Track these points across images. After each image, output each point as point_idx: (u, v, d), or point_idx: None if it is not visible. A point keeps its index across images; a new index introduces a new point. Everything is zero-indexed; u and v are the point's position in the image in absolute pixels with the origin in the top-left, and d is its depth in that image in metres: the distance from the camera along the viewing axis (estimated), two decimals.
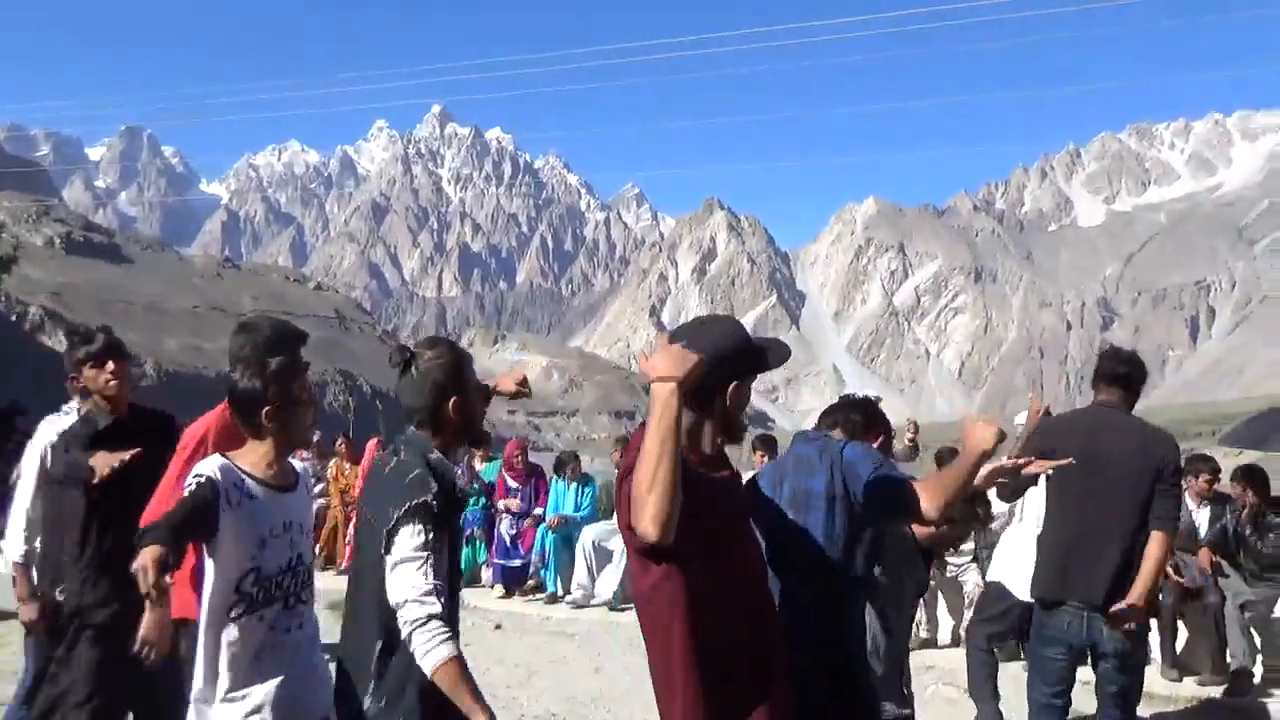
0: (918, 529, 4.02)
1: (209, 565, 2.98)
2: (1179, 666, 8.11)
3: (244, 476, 3.05)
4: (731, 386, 2.72)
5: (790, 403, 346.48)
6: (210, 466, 3.00)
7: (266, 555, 3.06)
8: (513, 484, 11.46)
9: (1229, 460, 14.18)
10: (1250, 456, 11.27)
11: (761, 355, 2.84)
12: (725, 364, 2.71)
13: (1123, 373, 5.00)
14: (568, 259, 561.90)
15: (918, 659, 7.46)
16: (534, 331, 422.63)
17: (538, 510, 11.24)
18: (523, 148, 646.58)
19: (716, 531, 2.67)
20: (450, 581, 2.86)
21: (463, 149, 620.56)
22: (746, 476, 8.88)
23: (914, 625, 8.13)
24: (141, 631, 3.59)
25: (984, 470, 3.67)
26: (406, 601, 2.72)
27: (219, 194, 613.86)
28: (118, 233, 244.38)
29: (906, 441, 8.16)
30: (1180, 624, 8.31)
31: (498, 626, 9.71)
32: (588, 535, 10.68)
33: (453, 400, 3.00)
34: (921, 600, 7.77)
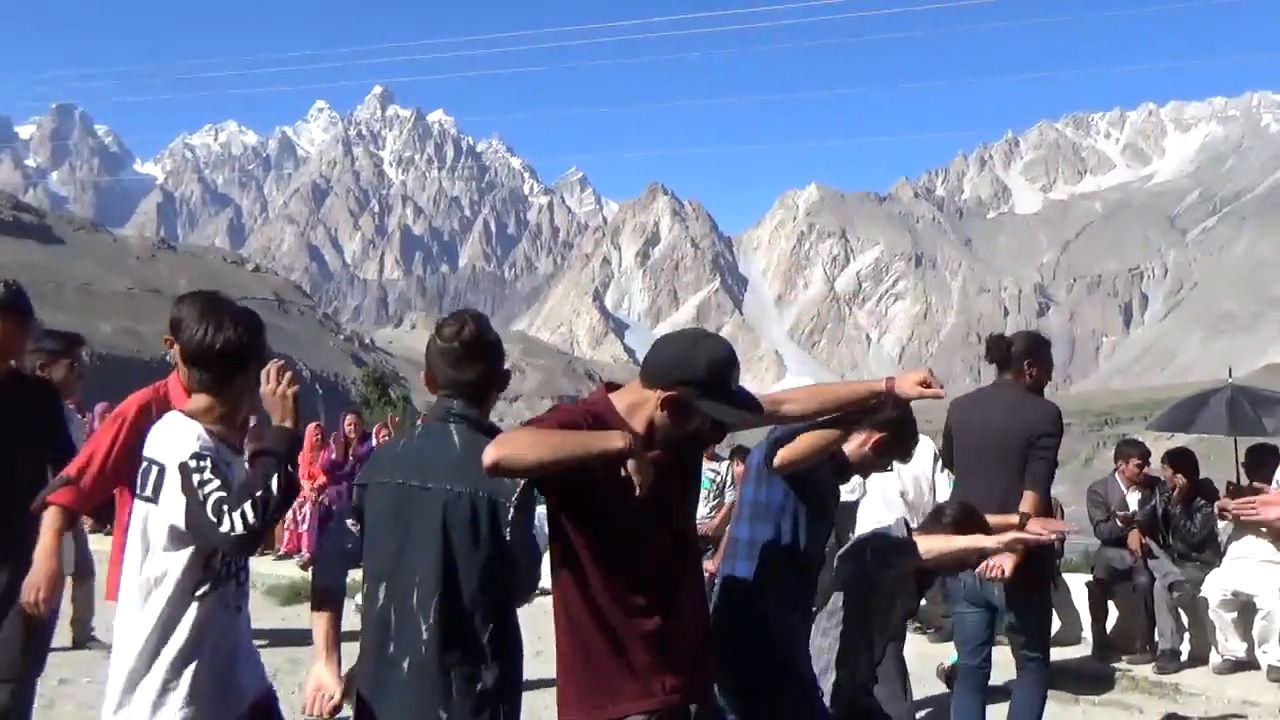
0: (923, 547, 3.98)
1: (173, 543, 2.87)
2: (1108, 646, 8.33)
3: (218, 442, 2.97)
4: (664, 393, 2.81)
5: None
6: (193, 439, 2.89)
7: None
8: None
9: (1160, 444, 14.48)
10: (1180, 440, 11.54)
11: (709, 392, 2.83)
12: (670, 374, 2.82)
13: (1005, 352, 5.47)
14: (510, 243, 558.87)
15: None
16: None
17: None
18: (465, 130, 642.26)
19: (615, 503, 2.73)
20: None
21: (404, 131, 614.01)
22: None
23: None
24: (29, 578, 3.56)
25: (1005, 538, 3.87)
26: (539, 552, 3.06)
27: (154, 174, 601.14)
28: (49, 213, 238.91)
29: None
30: (1110, 604, 8.51)
31: None
32: None
33: (501, 374, 3.11)
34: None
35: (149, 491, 2.89)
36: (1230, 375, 10.99)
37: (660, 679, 2.92)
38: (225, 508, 2.75)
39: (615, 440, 2.58)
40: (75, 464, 3.72)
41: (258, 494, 2.75)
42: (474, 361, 3.02)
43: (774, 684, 3.43)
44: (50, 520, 3.70)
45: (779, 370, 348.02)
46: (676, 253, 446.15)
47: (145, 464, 2.94)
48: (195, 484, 2.79)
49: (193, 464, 2.83)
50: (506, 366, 3.19)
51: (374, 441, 11.22)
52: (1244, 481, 7.96)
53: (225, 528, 2.73)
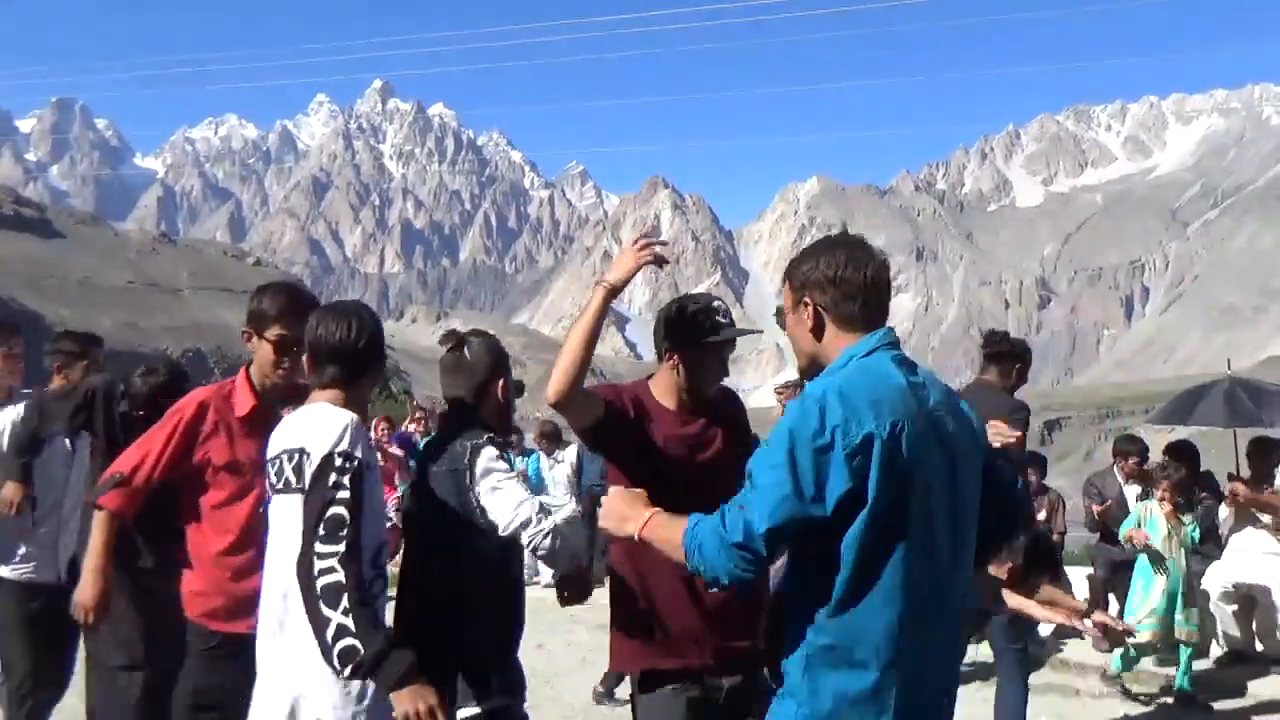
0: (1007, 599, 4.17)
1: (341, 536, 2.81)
2: (1110, 638, 8.36)
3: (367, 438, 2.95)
4: (674, 356, 3.16)
5: (733, 381, 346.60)
6: (349, 432, 2.88)
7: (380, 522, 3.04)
8: None
9: (1160, 437, 14.53)
10: (1181, 433, 11.61)
11: (700, 330, 3.17)
12: (667, 339, 3.19)
13: (998, 351, 5.68)
14: (511, 236, 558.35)
15: None
16: (477, 309, 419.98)
17: None
18: (466, 124, 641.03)
19: (661, 468, 3.05)
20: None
21: (405, 125, 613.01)
22: None
23: None
24: (78, 595, 3.50)
25: (1058, 617, 4.13)
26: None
27: (154, 168, 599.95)
28: (49, 207, 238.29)
29: None
30: (1111, 596, 8.54)
31: None
32: None
33: (500, 381, 3.40)
34: None
35: (300, 482, 2.86)
36: (1229, 368, 11.03)
37: (696, 644, 3.06)
38: (339, 534, 2.76)
39: (598, 291, 2.97)
40: (128, 460, 3.51)
41: (354, 594, 2.71)
42: (471, 370, 3.39)
43: None
44: (101, 527, 3.52)
45: (779, 364, 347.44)
46: (677, 246, 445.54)
47: (289, 454, 2.91)
48: (329, 483, 2.79)
49: (339, 462, 2.81)
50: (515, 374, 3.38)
51: (372, 435, 11.22)
52: (1245, 474, 8.00)
53: (320, 549, 2.74)
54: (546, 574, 10.53)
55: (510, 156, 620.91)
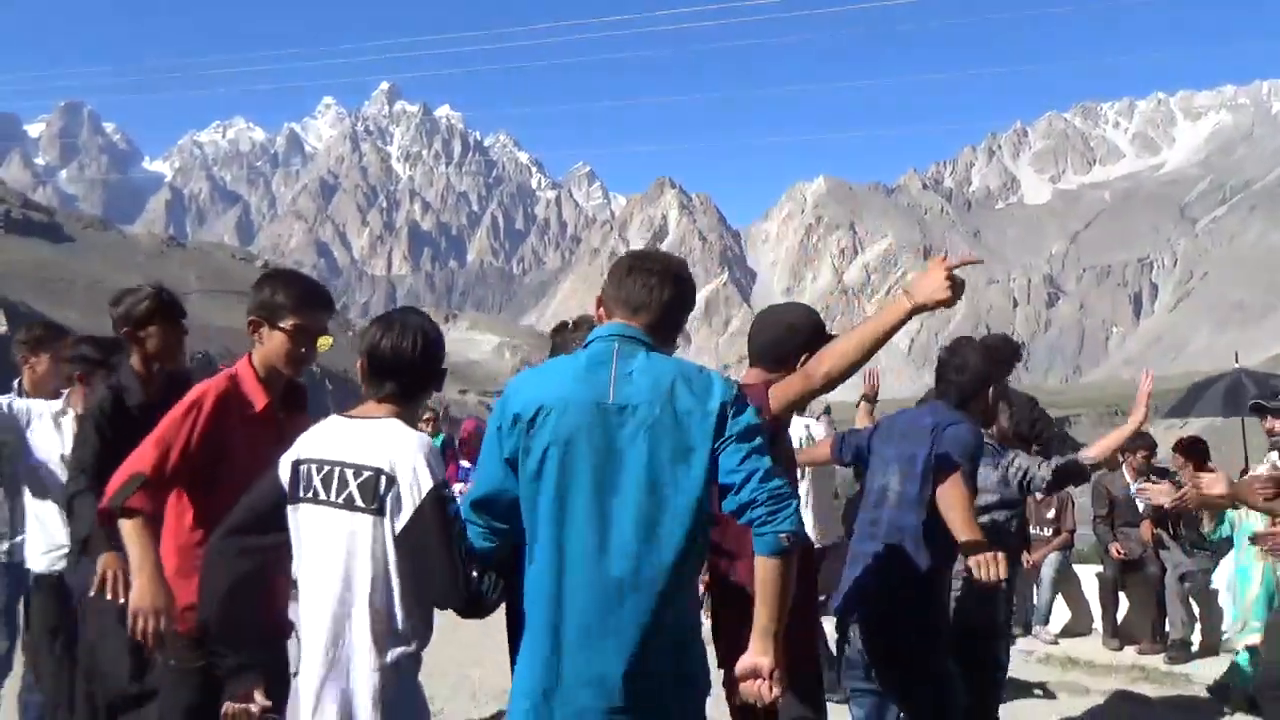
0: (1094, 452, 4.59)
1: (422, 563, 2.73)
2: (1120, 636, 8.33)
3: None
4: (803, 357, 3.38)
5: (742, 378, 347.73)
6: (438, 461, 2.78)
7: None
8: (465, 465, 11.40)
9: (1170, 434, 14.50)
10: (1191, 429, 11.61)
11: (821, 341, 3.38)
12: (800, 338, 3.45)
13: (1009, 360, 5.93)
14: (519, 238, 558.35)
15: None
16: (485, 310, 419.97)
17: None
18: (473, 126, 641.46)
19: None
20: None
21: (412, 127, 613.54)
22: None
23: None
24: (136, 601, 3.17)
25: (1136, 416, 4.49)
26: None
27: (162, 171, 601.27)
28: (58, 211, 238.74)
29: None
30: (1121, 595, 8.52)
31: None
32: None
33: None
34: None
35: (375, 504, 2.71)
36: (1236, 361, 11.00)
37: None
38: (469, 556, 2.75)
39: (905, 305, 3.09)
40: (146, 459, 3.19)
41: (474, 573, 2.74)
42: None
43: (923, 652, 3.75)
44: (140, 533, 3.18)
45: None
46: (684, 246, 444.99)
47: (354, 469, 2.74)
48: (450, 515, 2.71)
49: (447, 494, 2.72)
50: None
51: None
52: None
53: (462, 581, 2.70)
54: None
55: (517, 158, 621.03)
